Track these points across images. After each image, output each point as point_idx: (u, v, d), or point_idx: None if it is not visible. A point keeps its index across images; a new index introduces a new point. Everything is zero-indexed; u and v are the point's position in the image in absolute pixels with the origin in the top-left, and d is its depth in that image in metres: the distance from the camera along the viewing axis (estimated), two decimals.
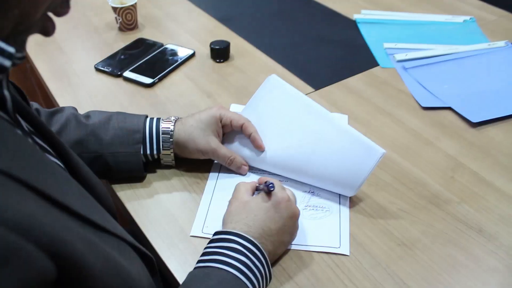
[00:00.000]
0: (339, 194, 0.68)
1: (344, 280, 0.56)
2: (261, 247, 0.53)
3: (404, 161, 0.73)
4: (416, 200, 0.67)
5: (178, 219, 0.65)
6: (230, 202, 0.60)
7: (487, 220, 0.64)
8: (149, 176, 0.71)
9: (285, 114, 0.70)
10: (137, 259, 0.46)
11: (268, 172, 0.71)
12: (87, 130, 0.67)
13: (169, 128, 0.69)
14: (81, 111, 0.73)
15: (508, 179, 0.70)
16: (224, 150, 0.70)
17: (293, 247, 0.61)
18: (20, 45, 0.38)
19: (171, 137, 0.68)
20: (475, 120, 0.80)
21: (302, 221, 0.63)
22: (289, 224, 0.57)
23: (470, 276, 0.57)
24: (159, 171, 0.72)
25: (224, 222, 0.58)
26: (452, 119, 0.82)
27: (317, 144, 0.66)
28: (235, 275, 0.49)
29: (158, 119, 0.70)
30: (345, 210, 0.66)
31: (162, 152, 0.69)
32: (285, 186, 0.60)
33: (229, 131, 0.72)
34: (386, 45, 1.03)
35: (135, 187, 0.70)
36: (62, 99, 0.89)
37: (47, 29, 0.40)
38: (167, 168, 0.72)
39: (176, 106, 0.87)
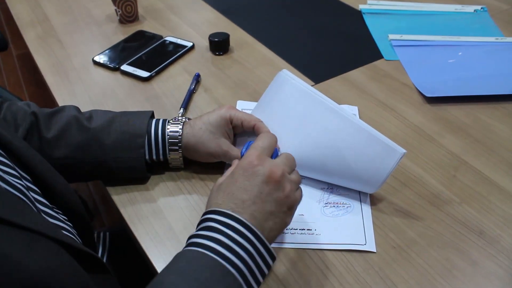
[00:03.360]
0: (359, 191, 0.65)
1: (334, 284, 0.54)
2: (236, 215, 0.46)
3: (404, 158, 0.70)
4: (414, 200, 0.64)
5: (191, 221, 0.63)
6: None
7: (489, 222, 0.61)
8: (157, 177, 0.70)
9: (299, 111, 0.65)
10: (61, 256, 0.42)
11: None
12: (88, 135, 0.65)
13: (178, 132, 0.66)
14: (78, 105, 0.71)
15: None
16: (236, 151, 0.66)
17: (318, 246, 0.59)
18: None
19: (179, 142, 0.66)
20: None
21: (324, 219, 0.62)
22: (267, 191, 0.48)
23: (467, 281, 0.54)
24: (167, 173, 0.70)
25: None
26: (457, 115, 0.78)
27: (334, 143, 0.62)
28: (204, 252, 0.44)
29: (164, 121, 0.67)
30: (367, 206, 0.63)
31: (171, 155, 0.67)
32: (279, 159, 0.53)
33: (240, 132, 0.69)
34: (392, 36, 0.99)
35: (143, 188, 0.68)
36: (59, 94, 0.88)
37: None
38: (175, 170, 0.70)
39: (172, 100, 0.85)
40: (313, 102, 0.65)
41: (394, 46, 0.96)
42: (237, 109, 0.67)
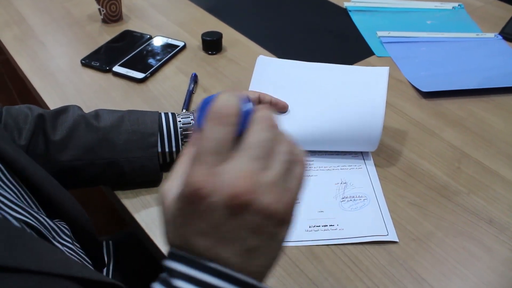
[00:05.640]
0: (371, 182, 0.67)
1: (364, 279, 0.55)
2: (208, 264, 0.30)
3: (410, 152, 0.73)
4: (425, 192, 0.66)
5: None
6: None
7: (496, 210, 0.64)
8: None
9: (288, 86, 0.73)
10: None
11: None
12: (98, 135, 0.63)
13: (190, 123, 0.66)
14: None
15: None
16: None
17: (343, 241, 0.59)
18: None
19: (192, 126, 0.65)
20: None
21: (344, 213, 0.63)
22: (235, 225, 0.30)
23: (486, 268, 0.57)
24: None
25: None
26: (452, 109, 0.82)
27: (327, 93, 0.71)
28: None
29: (174, 115, 0.67)
30: (381, 198, 0.65)
31: (185, 145, 0.66)
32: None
33: None
34: (380, 33, 1.01)
35: (155, 191, 0.67)
36: (49, 97, 0.84)
37: None
38: None
39: (171, 101, 0.83)
40: (297, 72, 0.75)
41: (384, 43, 0.99)
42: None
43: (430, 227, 0.62)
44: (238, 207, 0.29)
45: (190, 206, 0.30)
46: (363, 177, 0.68)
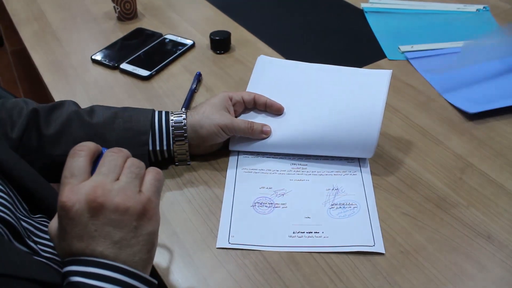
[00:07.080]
0: (364, 190, 0.64)
1: None
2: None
3: (410, 161, 0.69)
4: (421, 203, 0.63)
5: (199, 226, 0.62)
6: None
7: (496, 226, 0.60)
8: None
9: (286, 87, 0.73)
10: None
11: (286, 154, 0.70)
12: (90, 130, 0.64)
13: (182, 122, 0.65)
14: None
15: None
16: (240, 120, 0.69)
17: (326, 249, 0.57)
18: None
19: (185, 132, 0.65)
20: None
21: (331, 220, 0.61)
22: (98, 224, 0.39)
23: (476, 287, 0.54)
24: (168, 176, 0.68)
25: None
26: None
27: (326, 95, 0.70)
28: None
29: (167, 113, 0.67)
30: (373, 207, 0.62)
31: (176, 144, 0.66)
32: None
33: (241, 110, 0.72)
34: (403, 48, 0.94)
35: None
36: (57, 92, 0.86)
37: None
38: (178, 172, 0.69)
39: (173, 99, 0.83)
40: (296, 73, 0.75)
41: (410, 59, 0.91)
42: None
43: (421, 240, 0.59)
44: (96, 209, 0.39)
45: (64, 220, 0.39)
46: (356, 184, 0.65)
